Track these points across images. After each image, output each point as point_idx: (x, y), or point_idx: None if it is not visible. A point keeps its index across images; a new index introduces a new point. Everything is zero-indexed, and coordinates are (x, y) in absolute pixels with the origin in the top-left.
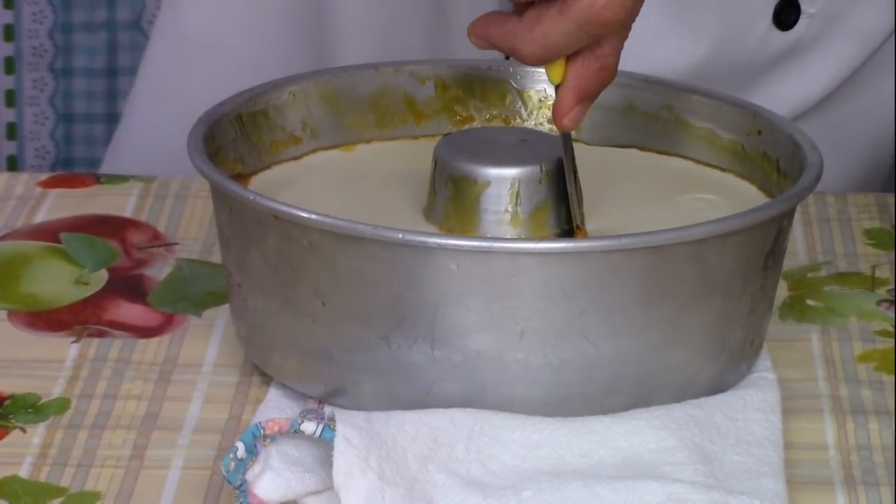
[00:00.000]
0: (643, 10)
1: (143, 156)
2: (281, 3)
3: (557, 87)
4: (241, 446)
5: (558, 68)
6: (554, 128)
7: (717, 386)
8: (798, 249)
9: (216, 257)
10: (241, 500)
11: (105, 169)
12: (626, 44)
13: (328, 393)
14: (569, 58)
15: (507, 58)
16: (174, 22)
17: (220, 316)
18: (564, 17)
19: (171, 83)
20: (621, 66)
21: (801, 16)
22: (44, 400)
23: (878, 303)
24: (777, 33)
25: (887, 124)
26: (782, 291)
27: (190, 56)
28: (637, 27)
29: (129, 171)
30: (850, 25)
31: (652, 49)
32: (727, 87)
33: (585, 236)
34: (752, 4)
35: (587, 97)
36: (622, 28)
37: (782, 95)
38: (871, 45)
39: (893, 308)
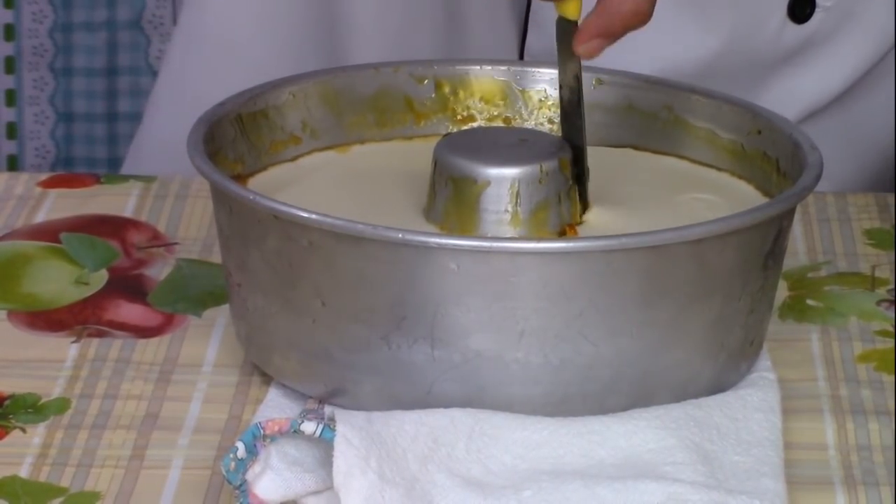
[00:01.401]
0: (657, 4)
1: (164, 155)
2: (296, 3)
3: (573, 23)
4: (241, 446)
5: (572, 3)
6: (554, 128)
7: (717, 386)
8: (798, 249)
9: (216, 257)
10: (241, 500)
11: (127, 169)
12: (640, 38)
13: (328, 393)
14: None
15: (521, 57)
16: (195, 22)
17: (220, 316)
18: None
19: (192, 83)
20: (625, 66)
21: (817, 9)
22: (44, 400)
23: (878, 303)
24: (792, 27)
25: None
26: (782, 291)
27: (210, 56)
28: (651, 21)
29: (152, 170)
30: (866, 21)
31: (666, 43)
32: (741, 82)
33: (575, 235)
34: None
35: (609, 34)
36: None
37: (797, 91)
38: (886, 42)
39: (893, 308)
